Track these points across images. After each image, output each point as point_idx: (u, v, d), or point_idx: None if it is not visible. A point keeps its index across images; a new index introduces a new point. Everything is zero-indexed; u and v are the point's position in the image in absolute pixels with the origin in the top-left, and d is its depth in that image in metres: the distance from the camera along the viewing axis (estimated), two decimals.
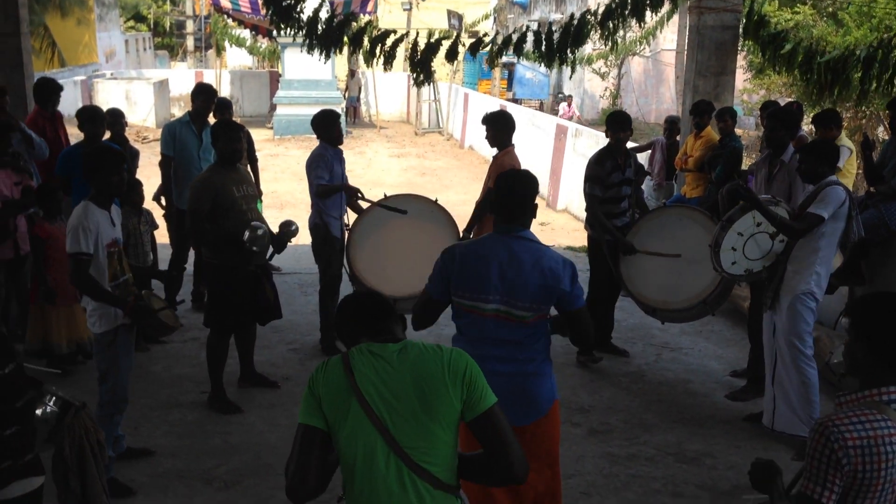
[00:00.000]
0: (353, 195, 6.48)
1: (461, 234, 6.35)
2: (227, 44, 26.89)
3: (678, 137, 9.67)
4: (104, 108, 7.28)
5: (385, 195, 6.58)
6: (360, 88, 26.53)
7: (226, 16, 22.80)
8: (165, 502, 4.52)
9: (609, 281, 6.56)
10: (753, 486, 2.71)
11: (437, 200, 6.46)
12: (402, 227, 6.22)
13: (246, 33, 24.95)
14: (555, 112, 24.09)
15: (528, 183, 3.57)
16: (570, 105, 24.73)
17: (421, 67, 8.57)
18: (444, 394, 2.30)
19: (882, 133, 14.25)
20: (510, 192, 3.51)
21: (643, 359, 6.88)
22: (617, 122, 6.46)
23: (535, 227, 3.68)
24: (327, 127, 6.49)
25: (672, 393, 6.20)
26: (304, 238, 8.92)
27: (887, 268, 6.22)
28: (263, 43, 27.08)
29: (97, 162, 4.37)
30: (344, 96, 24.74)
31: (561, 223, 13.12)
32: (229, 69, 28.96)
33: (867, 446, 2.32)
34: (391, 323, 2.50)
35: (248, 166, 7.98)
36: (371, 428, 2.29)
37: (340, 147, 6.60)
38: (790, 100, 11.64)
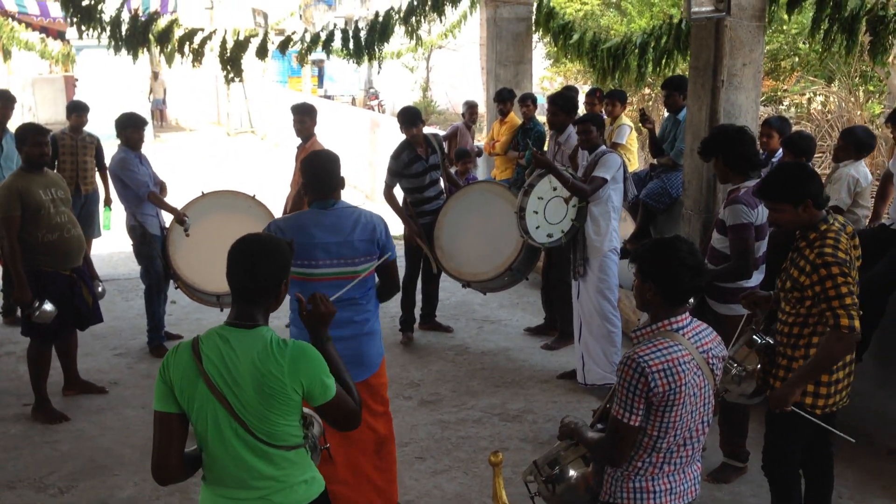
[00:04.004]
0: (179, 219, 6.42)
1: None
2: (14, 49, 25.10)
3: (484, 121, 10.17)
4: None
5: (202, 192, 6.59)
6: (164, 91, 25.65)
7: (11, 19, 21.34)
8: None
9: (421, 265, 6.95)
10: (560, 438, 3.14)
11: (255, 196, 6.56)
12: (221, 223, 6.24)
13: (33, 37, 23.44)
14: (369, 107, 24.36)
15: (329, 158, 3.86)
16: (373, 99, 25.27)
17: (231, 65, 8.57)
18: (282, 390, 2.48)
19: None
20: (319, 169, 3.79)
21: (466, 332, 7.30)
22: (404, 119, 6.75)
23: None
24: (120, 129, 6.46)
25: (494, 361, 6.64)
26: (119, 244, 8.67)
27: (672, 231, 6.95)
28: (56, 46, 25.53)
29: None
30: (148, 99, 23.87)
31: (381, 214, 13.38)
32: (14, 75, 27.06)
33: (668, 368, 2.73)
34: (252, 306, 2.56)
35: (98, 173, 8.08)
36: (218, 405, 2.49)
37: (141, 151, 6.56)
38: (592, 86, 12.48)
